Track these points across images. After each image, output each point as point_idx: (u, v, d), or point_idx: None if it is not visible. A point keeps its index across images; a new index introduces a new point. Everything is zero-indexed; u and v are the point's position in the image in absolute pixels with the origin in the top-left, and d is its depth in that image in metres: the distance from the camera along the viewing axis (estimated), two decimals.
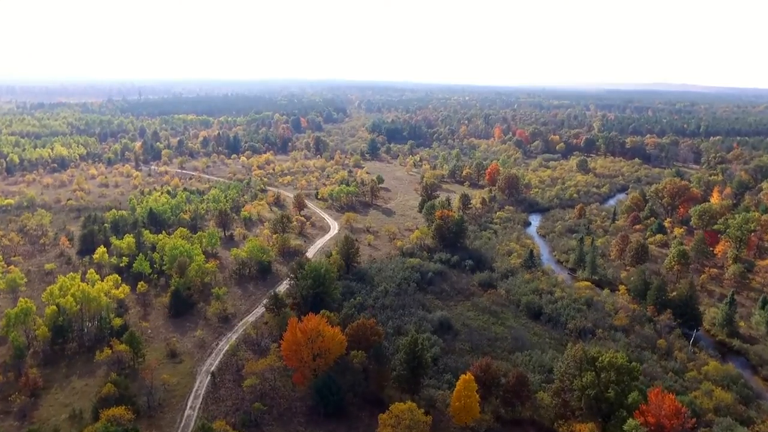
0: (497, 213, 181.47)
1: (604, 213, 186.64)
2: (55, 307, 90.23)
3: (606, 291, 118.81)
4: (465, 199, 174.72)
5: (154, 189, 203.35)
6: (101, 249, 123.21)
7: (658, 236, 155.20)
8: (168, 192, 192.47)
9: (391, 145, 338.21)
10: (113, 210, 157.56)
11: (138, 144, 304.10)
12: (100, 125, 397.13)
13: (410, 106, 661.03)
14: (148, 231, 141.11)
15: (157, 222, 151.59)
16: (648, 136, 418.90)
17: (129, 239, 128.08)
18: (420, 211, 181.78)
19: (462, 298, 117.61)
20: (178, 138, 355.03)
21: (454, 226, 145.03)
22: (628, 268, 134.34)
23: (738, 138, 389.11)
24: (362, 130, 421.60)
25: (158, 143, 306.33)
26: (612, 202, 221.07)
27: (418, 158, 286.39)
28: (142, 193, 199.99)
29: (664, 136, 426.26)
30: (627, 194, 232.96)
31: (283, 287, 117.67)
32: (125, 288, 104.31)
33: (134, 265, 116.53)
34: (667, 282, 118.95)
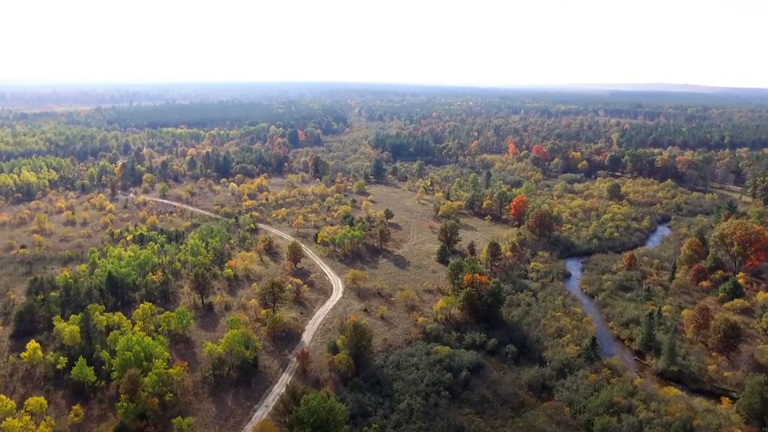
0: (532, 264, 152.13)
1: (656, 261, 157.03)
2: None
3: (701, 402, 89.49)
4: (494, 249, 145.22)
5: (126, 230, 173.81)
6: (32, 345, 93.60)
7: (737, 301, 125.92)
8: (140, 236, 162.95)
9: (398, 164, 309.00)
10: (65, 272, 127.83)
11: (118, 166, 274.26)
12: (82, 140, 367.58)
13: (413, 114, 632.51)
14: (102, 307, 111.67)
15: (118, 289, 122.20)
16: (670, 148, 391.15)
17: (73, 326, 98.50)
18: (439, 261, 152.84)
19: (509, 411, 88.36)
20: (165, 156, 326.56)
21: (488, 296, 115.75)
22: (713, 353, 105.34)
23: None
24: (364, 144, 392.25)
25: (139, 166, 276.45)
26: (656, 239, 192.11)
27: (429, 182, 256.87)
28: (112, 235, 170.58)
29: (686, 148, 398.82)
30: (669, 227, 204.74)
31: (273, 396, 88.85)
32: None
33: (73, 371, 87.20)
34: None
